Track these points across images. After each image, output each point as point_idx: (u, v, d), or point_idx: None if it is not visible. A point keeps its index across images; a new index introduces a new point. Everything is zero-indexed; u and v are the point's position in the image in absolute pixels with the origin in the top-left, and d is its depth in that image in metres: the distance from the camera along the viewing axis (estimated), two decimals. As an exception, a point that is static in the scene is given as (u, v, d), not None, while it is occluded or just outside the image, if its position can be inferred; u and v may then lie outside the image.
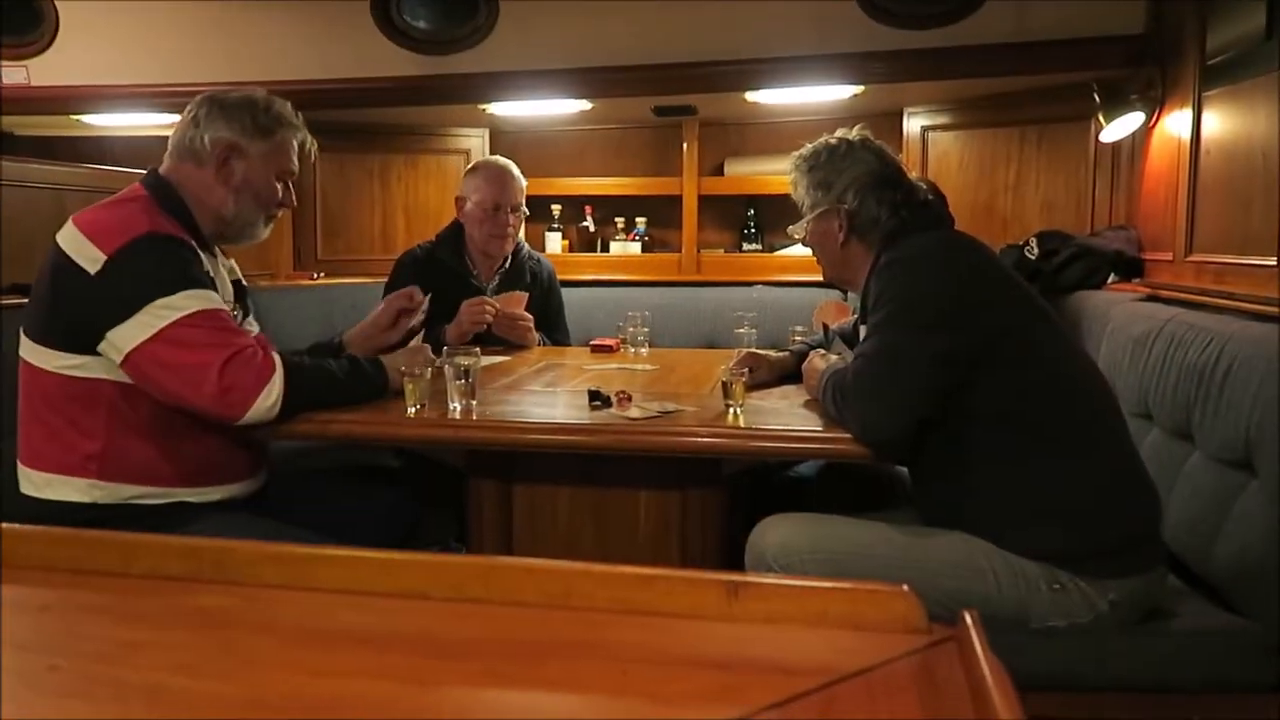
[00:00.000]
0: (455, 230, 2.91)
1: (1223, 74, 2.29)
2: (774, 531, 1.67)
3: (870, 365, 1.63)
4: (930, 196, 1.85)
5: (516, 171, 2.86)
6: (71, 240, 1.70)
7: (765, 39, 3.00)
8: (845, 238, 1.82)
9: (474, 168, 2.91)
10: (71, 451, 1.73)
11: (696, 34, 3.03)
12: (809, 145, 1.89)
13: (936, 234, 1.76)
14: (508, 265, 2.91)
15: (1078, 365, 1.70)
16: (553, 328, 3.01)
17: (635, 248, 3.85)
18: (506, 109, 3.47)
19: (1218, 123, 2.31)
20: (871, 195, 1.79)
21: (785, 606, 0.83)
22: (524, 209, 2.88)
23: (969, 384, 1.60)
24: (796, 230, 1.93)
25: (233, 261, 2.07)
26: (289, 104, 1.94)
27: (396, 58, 3.18)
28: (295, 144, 1.94)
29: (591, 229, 3.92)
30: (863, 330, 1.79)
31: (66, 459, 1.73)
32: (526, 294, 2.83)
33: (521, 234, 2.98)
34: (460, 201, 2.86)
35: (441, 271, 2.82)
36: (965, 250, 1.72)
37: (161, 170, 1.87)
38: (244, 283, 2.09)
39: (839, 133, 1.88)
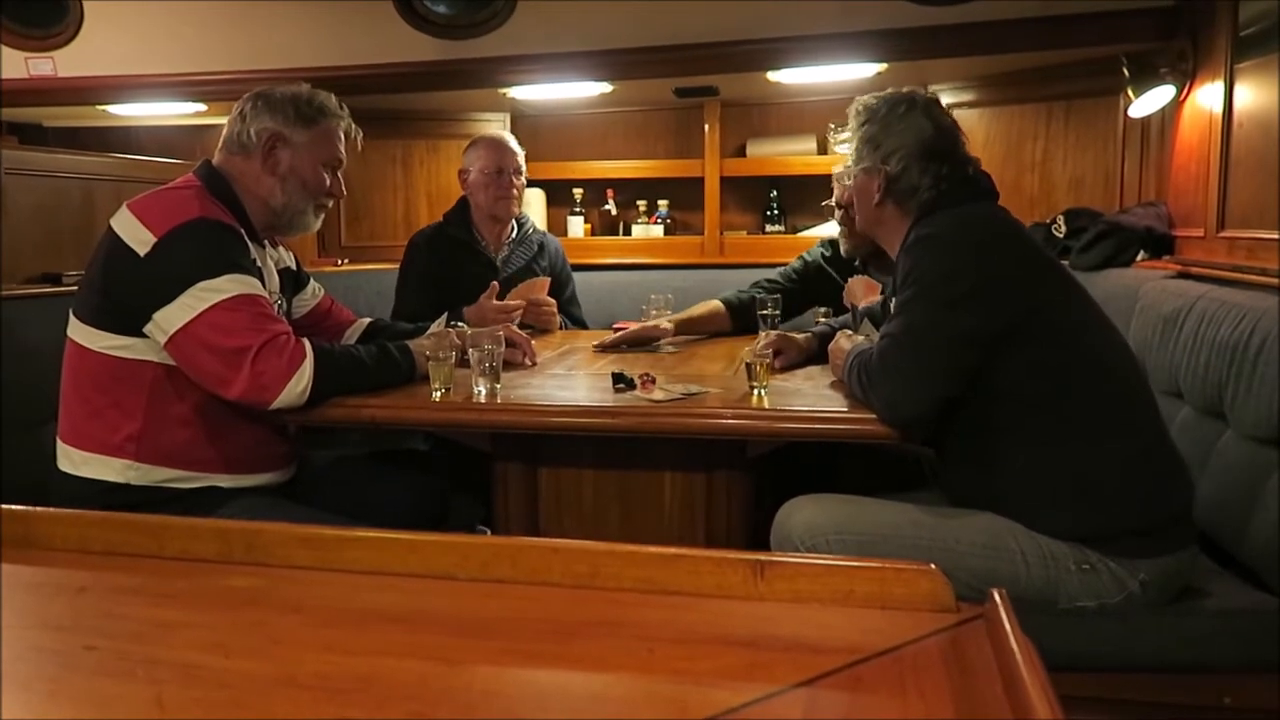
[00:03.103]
0: (461, 206, 3.02)
1: (1256, 45, 2.24)
2: (800, 512, 1.67)
3: (896, 345, 1.62)
4: (973, 171, 1.81)
5: (514, 142, 2.99)
6: (125, 223, 1.75)
7: (787, 17, 2.97)
8: (881, 199, 1.79)
9: (473, 142, 3.02)
10: (113, 431, 1.76)
11: (717, 14, 3.00)
12: (873, 96, 1.84)
13: (970, 208, 1.73)
14: (515, 234, 3.00)
15: (1109, 344, 1.68)
16: (568, 302, 3.07)
17: (658, 230, 3.84)
18: (527, 93, 3.46)
19: (1251, 95, 2.26)
20: (916, 164, 1.75)
21: (812, 586, 0.83)
22: (524, 174, 2.99)
23: (998, 362, 1.59)
24: (844, 176, 1.93)
25: (284, 251, 2.11)
26: (333, 96, 1.99)
27: (417, 43, 3.19)
28: (340, 133, 1.98)
29: (613, 212, 3.91)
30: (892, 307, 1.77)
31: (107, 439, 1.76)
32: (549, 279, 2.89)
33: (531, 212, 3.06)
34: (464, 174, 2.97)
35: (451, 245, 2.93)
36: (997, 226, 1.70)
37: (214, 163, 1.91)
38: (296, 268, 2.15)
39: (907, 89, 1.83)
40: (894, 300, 1.73)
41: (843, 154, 1.94)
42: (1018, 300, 1.59)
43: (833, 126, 2.71)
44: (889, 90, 1.84)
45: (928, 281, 1.62)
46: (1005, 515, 1.60)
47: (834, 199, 2.51)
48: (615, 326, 2.85)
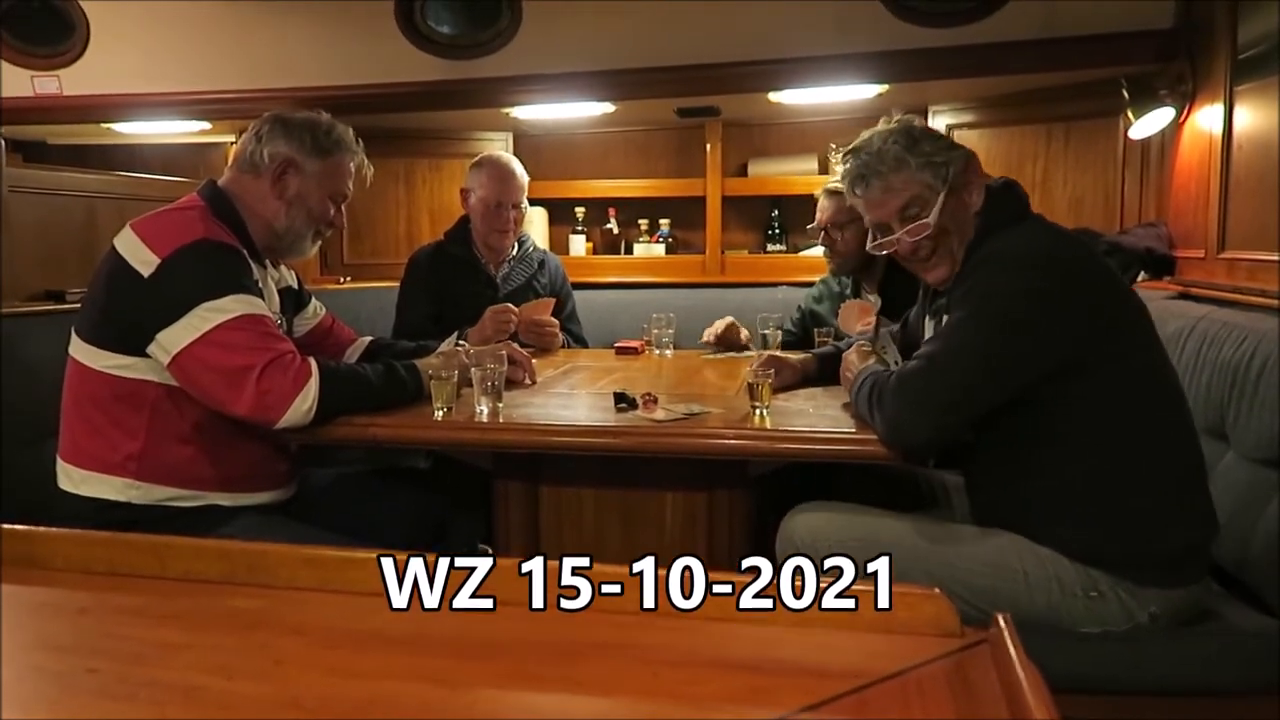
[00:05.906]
0: (462, 223, 3.03)
1: (1255, 67, 2.26)
2: (805, 518, 1.66)
3: (921, 370, 1.55)
4: None
5: (520, 170, 2.96)
6: (128, 244, 1.75)
7: (788, 39, 2.99)
8: (978, 196, 1.66)
9: (479, 162, 2.99)
10: (113, 450, 1.76)
11: (719, 35, 3.02)
12: (879, 141, 1.65)
13: (1045, 226, 1.64)
14: (515, 253, 3.02)
15: (1162, 369, 1.61)
16: (568, 319, 3.07)
17: (659, 249, 3.85)
18: (530, 112, 3.48)
19: (1250, 117, 2.28)
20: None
21: (815, 609, 0.83)
22: (525, 205, 2.99)
23: (1048, 382, 1.53)
24: (916, 229, 1.65)
25: (286, 270, 2.12)
26: (350, 129, 2.00)
27: (420, 62, 3.21)
28: (351, 167, 2.00)
29: (615, 231, 3.92)
30: (927, 325, 1.75)
31: (107, 457, 1.76)
32: (554, 299, 2.90)
33: (533, 230, 3.14)
34: (465, 193, 2.97)
35: (452, 262, 2.95)
36: (1072, 248, 1.61)
37: (220, 182, 1.93)
38: (298, 288, 2.16)
39: (898, 116, 1.72)
40: (933, 310, 1.68)
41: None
42: (1082, 326, 1.51)
43: (833, 146, 2.70)
44: (876, 130, 1.70)
45: (987, 305, 1.54)
46: (1028, 527, 1.56)
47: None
48: (617, 345, 2.86)
